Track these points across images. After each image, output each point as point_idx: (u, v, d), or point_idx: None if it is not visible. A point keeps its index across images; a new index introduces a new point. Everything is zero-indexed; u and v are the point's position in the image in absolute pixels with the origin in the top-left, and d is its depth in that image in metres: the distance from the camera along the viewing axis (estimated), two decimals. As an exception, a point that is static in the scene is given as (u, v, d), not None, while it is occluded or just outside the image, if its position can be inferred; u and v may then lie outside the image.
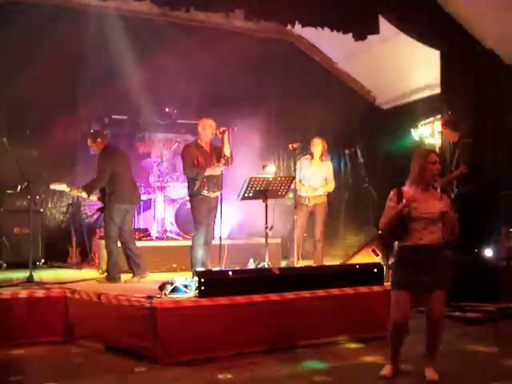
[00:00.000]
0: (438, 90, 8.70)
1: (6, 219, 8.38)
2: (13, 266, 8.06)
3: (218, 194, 6.77)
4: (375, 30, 7.94)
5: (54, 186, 6.87)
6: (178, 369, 4.87)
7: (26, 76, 8.42)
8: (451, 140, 7.90)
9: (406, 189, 4.52)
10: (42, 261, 8.55)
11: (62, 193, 9.46)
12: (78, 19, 8.59)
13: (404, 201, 4.41)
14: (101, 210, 7.10)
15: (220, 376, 4.73)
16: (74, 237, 9.02)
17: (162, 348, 4.99)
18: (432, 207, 4.46)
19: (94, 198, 7.00)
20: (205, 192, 6.72)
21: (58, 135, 9.11)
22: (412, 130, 9.78)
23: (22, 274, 6.82)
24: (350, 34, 7.88)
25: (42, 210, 8.85)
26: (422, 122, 9.64)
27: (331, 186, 7.99)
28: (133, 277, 6.96)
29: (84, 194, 6.89)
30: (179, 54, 9.19)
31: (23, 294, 5.90)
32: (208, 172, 6.72)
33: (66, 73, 8.58)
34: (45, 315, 5.83)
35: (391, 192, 4.58)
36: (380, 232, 4.66)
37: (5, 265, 8.19)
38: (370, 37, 7.96)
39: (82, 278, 7.20)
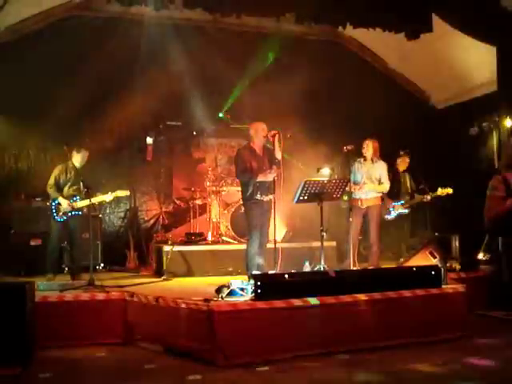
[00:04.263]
0: (494, 88, 8.48)
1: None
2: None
3: (270, 197, 6.80)
4: (428, 28, 7.82)
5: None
6: (235, 371, 4.89)
7: (81, 86, 8.66)
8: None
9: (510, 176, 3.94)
10: (102, 265, 8.77)
11: (119, 198, 9.70)
12: (132, 29, 8.78)
13: None
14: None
15: (276, 379, 4.75)
16: (131, 241, 9.24)
17: (219, 350, 5.03)
18: None
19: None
20: (258, 196, 6.76)
21: (113, 143, 9.33)
22: (468, 130, 9.58)
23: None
24: (403, 34, 7.79)
25: (101, 215, 9.06)
26: (478, 122, 9.42)
27: (385, 186, 7.86)
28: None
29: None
30: (231, 59, 9.27)
31: (85, 296, 6.09)
32: (260, 178, 6.76)
33: (119, 81, 8.77)
34: (105, 317, 6.00)
35: (494, 180, 4.07)
36: (486, 225, 3.98)
37: (66, 268, 8.38)
38: (422, 35, 7.85)
39: (141, 281, 7.37)
